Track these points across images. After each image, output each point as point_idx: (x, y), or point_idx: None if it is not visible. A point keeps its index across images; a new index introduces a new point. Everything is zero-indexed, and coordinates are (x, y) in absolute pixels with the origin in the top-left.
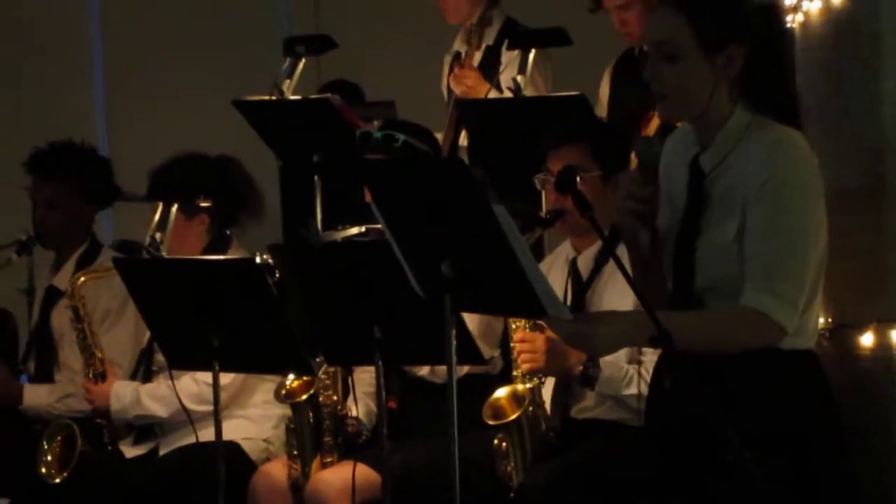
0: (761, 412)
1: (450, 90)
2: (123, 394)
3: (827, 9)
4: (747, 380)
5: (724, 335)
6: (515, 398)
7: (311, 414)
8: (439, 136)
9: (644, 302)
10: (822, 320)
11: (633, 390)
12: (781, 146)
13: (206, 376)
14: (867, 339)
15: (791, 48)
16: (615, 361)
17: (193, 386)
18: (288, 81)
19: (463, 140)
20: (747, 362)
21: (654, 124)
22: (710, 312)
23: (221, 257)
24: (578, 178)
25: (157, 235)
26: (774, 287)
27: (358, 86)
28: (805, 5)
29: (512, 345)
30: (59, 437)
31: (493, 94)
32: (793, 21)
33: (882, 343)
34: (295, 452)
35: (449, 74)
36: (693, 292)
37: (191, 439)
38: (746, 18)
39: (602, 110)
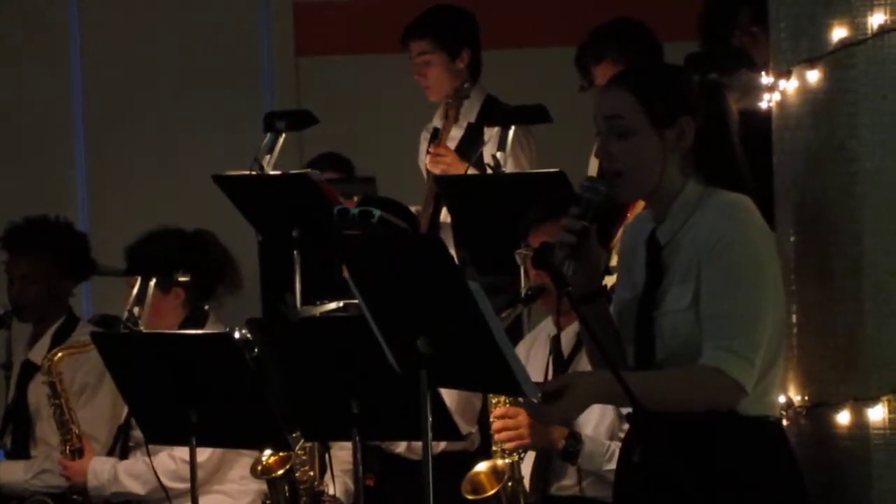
0: (725, 481)
1: None
2: (101, 470)
3: (803, 89)
4: (710, 448)
5: (684, 394)
6: (495, 473)
7: (287, 489)
8: (418, 209)
9: (618, 376)
10: (798, 398)
11: (614, 465)
12: (729, 209)
13: (184, 453)
14: (843, 418)
15: (765, 126)
16: (596, 437)
17: (171, 463)
18: (268, 157)
19: (445, 217)
20: (710, 429)
21: (640, 204)
22: (671, 371)
23: (199, 332)
24: None
25: (136, 310)
26: (729, 344)
27: (349, 160)
28: (781, 85)
29: (492, 420)
30: None
31: (472, 171)
32: (769, 101)
33: (858, 422)
34: None
35: (427, 152)
36: (654, 363)
37: None
38: (693, 93)
39: None
